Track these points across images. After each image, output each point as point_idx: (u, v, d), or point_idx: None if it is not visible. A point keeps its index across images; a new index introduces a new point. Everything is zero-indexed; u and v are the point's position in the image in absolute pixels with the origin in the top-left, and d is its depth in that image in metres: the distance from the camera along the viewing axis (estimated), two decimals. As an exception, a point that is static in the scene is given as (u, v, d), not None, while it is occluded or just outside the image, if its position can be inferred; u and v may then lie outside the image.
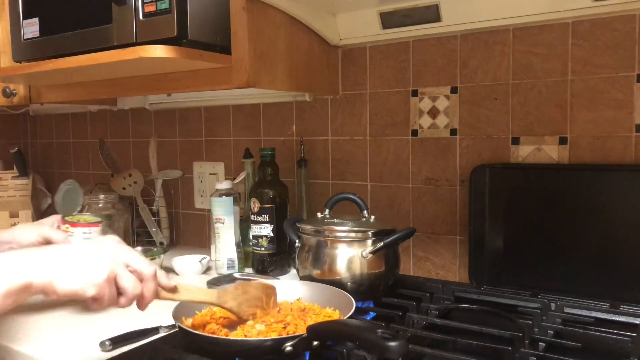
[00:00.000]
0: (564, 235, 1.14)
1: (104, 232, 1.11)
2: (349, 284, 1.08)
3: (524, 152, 1.22)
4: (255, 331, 0.88)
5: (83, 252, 0.71)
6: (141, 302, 0.76)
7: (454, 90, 1.29)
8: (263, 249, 1.39)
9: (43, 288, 0.66)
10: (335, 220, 1.15)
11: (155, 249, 1.46)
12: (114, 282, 0.72)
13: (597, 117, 1.14)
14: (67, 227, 1.18)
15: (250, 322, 0.91)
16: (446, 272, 1.34)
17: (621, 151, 1.12)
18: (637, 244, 1.07)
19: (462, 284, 1.26)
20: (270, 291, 0.97)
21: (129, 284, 0.73)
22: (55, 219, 1.16)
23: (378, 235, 1.10)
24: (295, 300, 1.03)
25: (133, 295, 0.73)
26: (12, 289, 0.64)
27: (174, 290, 0.82)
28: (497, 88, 1.24)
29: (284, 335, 0.84)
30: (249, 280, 1.21)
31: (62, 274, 0.67)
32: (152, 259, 1.39)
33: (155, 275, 0.77)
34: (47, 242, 1.06)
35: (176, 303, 0.95)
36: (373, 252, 1.08)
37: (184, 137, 1.81)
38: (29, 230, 1.08)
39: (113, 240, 0.77)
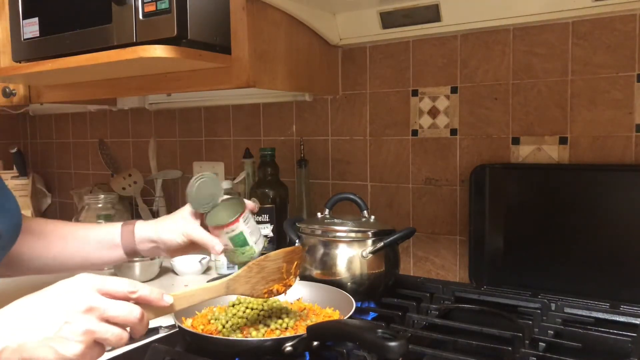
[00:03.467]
0: (564, 235, 1.14)
1: (246, 221, 0.99)
2: (349, 284, 1.08)
3: (524, 152, 1.22)
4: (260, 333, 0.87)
5: (44, 317, 0.61)
6: (136, 331, 0.67)
7: (454, 90, 1.29)
8: (263, 249, 1.38)
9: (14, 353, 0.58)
10: (335, 220, 1.15)
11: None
12: (93, 341, 0.62)
13: (597, 117, 1.14)
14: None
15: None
16: (446, 272, 1.34)
17: (621, 151, 1.12)
18: (637, 244, 1.07)
19: (462, 284, 1.26)
20: (293, 256, 0.88)
21: (113, 339, 0.63)
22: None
23: (378, 235, 1.10)
24: (295, 300, 1.03)
25: (121, 344, 0.64)
26: None
27: (172, 307, 0.73)
28: (497, 88, 1.24)
29: (284, 335, 0.84)
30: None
31: (36, 353, 0.59)
32: (151, 259, 1.39)
33: (141, 318, 0.66)
34: (191, 243, 0.96)
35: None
36: (373, 252, 1.08)
37: (184, 137, 1.80)
38: (174, 229, 0.96)
39: (78, 282, 0.65)
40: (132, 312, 0.65)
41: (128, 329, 0.66)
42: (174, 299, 0.73)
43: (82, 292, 0.63)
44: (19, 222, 0.92)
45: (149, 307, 0.69)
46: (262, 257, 0.87)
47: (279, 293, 0.89)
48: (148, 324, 0.69)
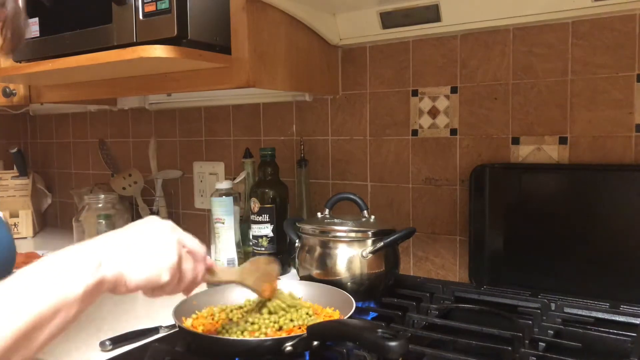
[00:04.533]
0: (563, 235, 1.14)
1: None
2: (349, 284, 1.08)
3: (524, 152, 1.22)
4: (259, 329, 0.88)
5: (148, 235, 0.66)
6: (192, 286, 0.73)
7: (454, 90, 1.29)
8: (263, 249, 1.39)
9: (114, 283, 0.61)
10: (335, 220, 1.15)
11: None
12: (180, 268, 0.68)
13: (597, 117, 1.14)
14: None
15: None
16: (446, 272, 1.34)
17: (621, 151, 1.12)
18: (637, 244, 1.07)
19: (462, 284, 1.26)
20: (274, 264, 0.95)
21: (189, 268, 0.70)
22: None
23: (378, 235, 1.10)
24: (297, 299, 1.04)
25: (190, 279, 0.70)
26: (89, 287, 0.58)
27: (212, 270, 0.80)
28: (497, 88, 1.24)
29: (284, 335, 0.85)
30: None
31: (133, 264, 0.62)
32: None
33: (205, 257, 0.75)
34: None
35: (177, 303, 0.95)
36: (373, 252, 1.08)
37: (184, 137, 1.80)
38: None
39: (163, 220, 0.71)
40: (201, 247, 0.74)
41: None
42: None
43: (170, 224, 0.70)
44: (9, 256, 0.85)
45: None
46: (256, 258, 0.95)
47: (270, 295, 0.93)
48: (203, 278, 0.75)
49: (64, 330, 0.57)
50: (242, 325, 0.89)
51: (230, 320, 0.93)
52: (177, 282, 0.69)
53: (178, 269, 0.67)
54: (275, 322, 0.89)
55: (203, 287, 0.92)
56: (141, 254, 0.64)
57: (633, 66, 1.10)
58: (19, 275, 0.56)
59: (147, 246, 0.65)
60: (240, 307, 0.98)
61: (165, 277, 0.65)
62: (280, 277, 1.32)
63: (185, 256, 0.70)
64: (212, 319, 0.95)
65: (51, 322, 0.55)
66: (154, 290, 0.67)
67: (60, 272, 0.57)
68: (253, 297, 1.01)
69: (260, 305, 0.93)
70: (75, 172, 2.16)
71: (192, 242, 0.73)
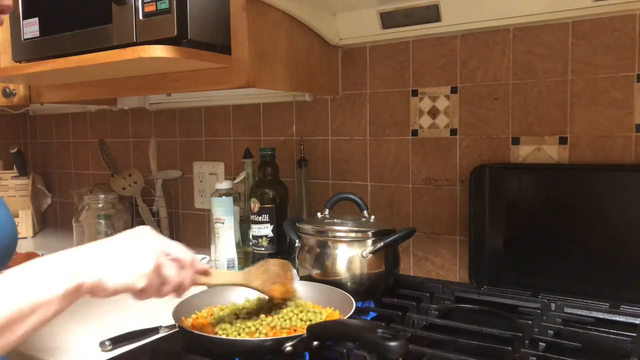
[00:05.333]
0: (564, 235, 1.14)
1: None
2: (349, 284, 1.08)
3: (524, 152, 1.22)
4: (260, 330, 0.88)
5: (127, 244, 0.70)
6: (180, 290, 0.77)
7: (454, 90, 1.29)
8: (263, 249, 1.39)
9: (92, 288, 0.65)
10: (335, 220, 1.15)
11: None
12: (159, 272, 0.71)
13: (597, 117, 1.14)
14: None
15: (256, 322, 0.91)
16: (446, 272, 1.34)
17: (621, 151, 1.12)
18: (637, 244, 1.07)
19: (462, 284, 1.26)
20: (287, 267, 0.99)
21: (172, 273, 0.73)
22: None
23: (378, 235, 1.10)
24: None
25: (175, 283, 0.74)
26: (68, 290, 0.62)
27: (207, 273, 0.83)
28: (497, 88, 1.24)
29: (284, 335, 0.85)
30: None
31: (110, 271, 0.66)
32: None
33: (193, 262, 0.78)
34: None
35: (177, 302, 0.95)
36: (373, 252, 1.08)
37: (184, 137, 1.80)
38: None
39: (149, 229, 0.75)
40: (187, 254, 0.77)
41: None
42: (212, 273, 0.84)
43: (150, 233, 0.74)
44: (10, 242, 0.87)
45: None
46: (264, 260, 0.98)
47: (285, 297, 0.95)
48: (193, 282, 0.79)
49: (43, 326, 0.61)
50: (237, 326, 0.89)
51: (223, 320, 0.93)
52: (160, 287, 0.72)
53: (156, 275, 0.71)
54: (269, 324, 0.90)
55: (203, 287, 0.93)
56: (119, 261, 0.68)
57: (633, 66, 1.10)
58: (7, 274, 0.62)
59: (125, 254, 0.69)
60: (243, 308, 0.98)
61: (140, 283, 0.69)
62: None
63: (167, 263, 0.73)
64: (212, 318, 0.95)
65: (29, 317, 0.59)
66: (136, 294, 0.71)
67: (42, 274, 0.62)
68: (252, 296, 1.01)
69: (269, 307, 0.95)
70: (75, 172, 2.16)
71: (177, 249, 0.76)
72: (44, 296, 0.60)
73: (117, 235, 0.73)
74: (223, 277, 0.91)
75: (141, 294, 0.70)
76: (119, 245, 0.70)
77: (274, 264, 0.97)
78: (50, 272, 0.63)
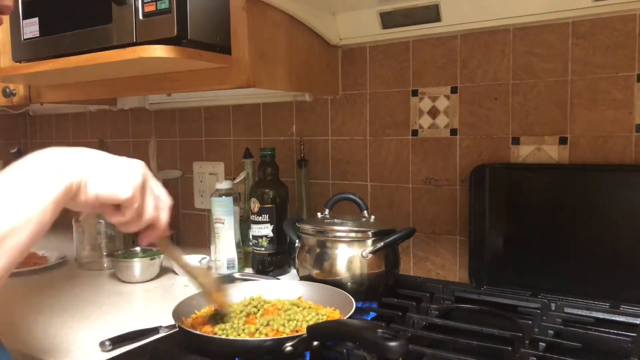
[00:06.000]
0: (564, 235, 1.14)
1: None
2: (349, 284, 1.08)
3: (524, 152, 1.22)
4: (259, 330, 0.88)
5: (116, 157, 0.67)
6: (151, 232, 0.73)
7: (454, 90, 1.29)
8: (263, 249, 1.39)
9: (77, 188, 0.61)
10: (335, 220, 1.15)
11: (155, 249, 1.46)
12: (143, 192, 0.67)
13: (597, 117, 1.14)
14: None
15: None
16: (446, 272, 1.34)
17: (621, 151, 1.12)
18: (637, 244, 1.07)
19: (462, 284, 1.26)
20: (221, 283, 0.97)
21: (151, 203, 0.69)
22: None
23: (378, 235, 1.10)
24: (296, 299, 1.04)
25: (150, 216, 0.70)
26: (58, 196, 0.59)
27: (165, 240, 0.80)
28: (497, 88, 1.24)
29: (284, 336, 0.85)
30: (248, 280, 1.22)
31: (97, 175, 0.63)
32: (151, 259, 1.39)
33: (170, 207, 0.74)
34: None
35: (176, 302, 0.95)
36: (373, 252, 1.08)
37: (184, 137, 1.80)
38: None
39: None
40: (168, 197, 0.73)
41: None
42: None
43: (141, 162, 0.70)
44: None
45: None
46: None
47: (223, 307, 0.93)
48: (165, 228, 0.74)
49: (38, 238, 0.58)
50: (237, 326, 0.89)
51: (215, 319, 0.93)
52: (138, 213, 0.68)
53: (141, 193, 0.67)
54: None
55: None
56: (106, 167, 0.64)
57: (633, 66, 1.09)
58: None
59: (113, 163, 0.66)
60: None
61: (126, 192, 0.65)
62: (280, 277, 1.33)
63: (149, 189, 0.69)
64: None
65: (25, 230, 0.56)
66: (114, 212, 0.67)
67: (30, 182, 0.58)
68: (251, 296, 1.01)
69: (219, 315, 0.94)
70: (75, 172, 2.16)
71: (160, 188, 0.73)
72: (37, 208, 0.57)
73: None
74: (174, 252, 0.88)
75: (120, 211, 0.67)
76: (108, 155, 0.66)
77: (206, 272, 0.96)
78: (39, 176, 0.59)
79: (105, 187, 0.63)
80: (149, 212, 0.69)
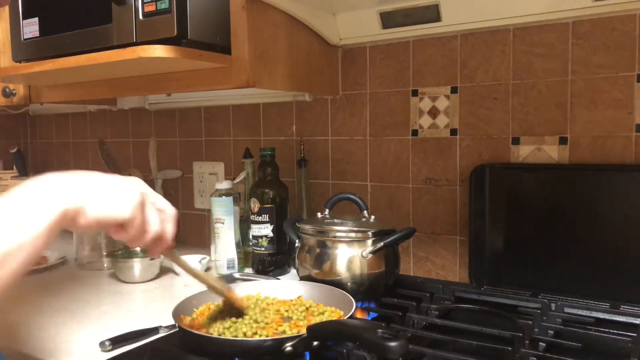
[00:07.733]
0: (564, 235, 1.14)
1: None
2: (349, 284, 1.08)
3: (524, 152, 1.22)
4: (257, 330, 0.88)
5: (112, 178, 0.67)
6: (158, 245, 0.73)
7: (454, 90, 1.29)
8: (263, 249, 1.39)
9: (76, 214, 0.61)
10: (335, 220, 1.15)
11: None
12: (142, 210, 0.68)
13: (597, 117, 1.14)
14: None
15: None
16: (446, 272, 1.34)
17: (621, 151, 1.12)
18: (637, 244, 1.07)
19: (462, 284, 1.26)
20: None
21: (154, 218, 0.70)
22: None
23: (378, 236, 1.10)
24: (296, 298, 1.04)
25: (156, 231, 0.70)
26: (53, 222, 0.59)
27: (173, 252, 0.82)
28: (497, 88, 1.24)
29: (284, 336, 0.85)
30: (248, 280, 1.22)
31: (95, 199, 0.63)
32: (151, 259, 1.39)
33: (176, 218, 0.75)
34: None
35: (176, 302, 0.95)
36: (373, 252, 1.08)
37: (184, 137, 1.80)
38: None
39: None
40: (172, 208, 0.75)
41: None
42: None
43: (138, 180, 0.71)
44: None
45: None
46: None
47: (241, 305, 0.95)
48: (171, 240, 0.75)
49: (33, 259, 0.59)
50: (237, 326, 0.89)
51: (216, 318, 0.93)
52: (142, 229, 0.69)
53: (141, 211, 0.68)
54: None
55: (203, 287, 0.93)
56: (103, 190, 0.65)
57: (633, 66, 1.09)
58: None
59: (111, 185, 0.66)
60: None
61: (126, 213, 0.65)
62: (280, 277, 1.33)
63: (150, 206, 0.70)
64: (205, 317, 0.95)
65: (18, 256, 0.57)
66: (117, 229, 0.67)
67: (25, 207, 0.59)
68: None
69: (235, 311, 0.94)
70: (75, 172, 2.16)
71: (162, 202, 0.74)
72: (30, 234, 0.57)
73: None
74: (183, 261, 0.89)
75: (123, 229, 0.67)
76: (104, 177, 0.67)
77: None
78: (33, 203, 0.59)
79: (105, 210, 0.64)
80: (153, 227, 0.70)
